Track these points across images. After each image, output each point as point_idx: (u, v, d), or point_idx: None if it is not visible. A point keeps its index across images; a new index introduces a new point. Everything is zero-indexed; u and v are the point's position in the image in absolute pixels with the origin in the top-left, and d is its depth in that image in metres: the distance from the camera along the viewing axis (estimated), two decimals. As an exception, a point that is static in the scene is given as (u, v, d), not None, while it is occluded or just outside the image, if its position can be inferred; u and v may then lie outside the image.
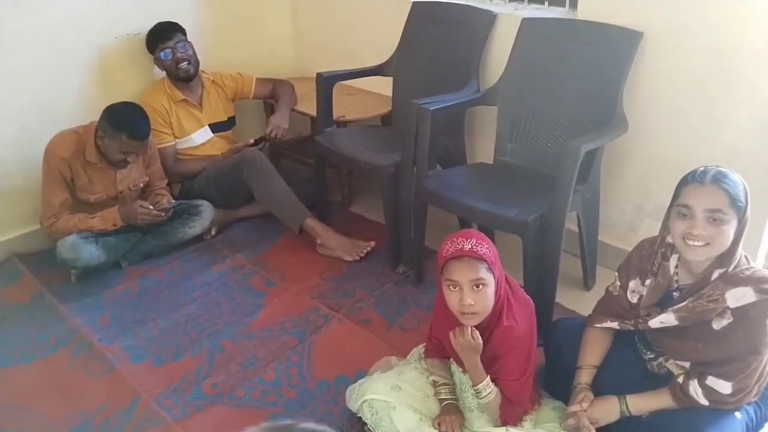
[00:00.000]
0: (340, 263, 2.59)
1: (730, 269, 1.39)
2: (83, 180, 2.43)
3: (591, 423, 1.53)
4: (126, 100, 2.81)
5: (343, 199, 3.11)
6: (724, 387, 1.42)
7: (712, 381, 1.43)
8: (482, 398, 1.59)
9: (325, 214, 2.87)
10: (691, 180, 1.39)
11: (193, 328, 2.23)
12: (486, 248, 1.49)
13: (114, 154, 2.35)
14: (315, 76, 2.67)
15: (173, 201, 2.64)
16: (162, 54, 2.75)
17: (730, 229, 1.35)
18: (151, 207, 2.51)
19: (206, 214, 2.73)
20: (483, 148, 2.65)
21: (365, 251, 2.60)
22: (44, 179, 2.42)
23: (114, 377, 2.01)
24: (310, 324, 2.23)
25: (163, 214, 2.53)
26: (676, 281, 1.49)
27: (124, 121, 2.32)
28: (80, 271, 2.47)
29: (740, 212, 1.35)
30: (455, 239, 1.50)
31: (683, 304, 1.44)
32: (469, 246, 1.47)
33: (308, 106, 2.95)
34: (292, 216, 2.69)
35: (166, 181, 2.76)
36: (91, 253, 2.42)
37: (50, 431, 1.82)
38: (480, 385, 1.58)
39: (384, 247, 2.61)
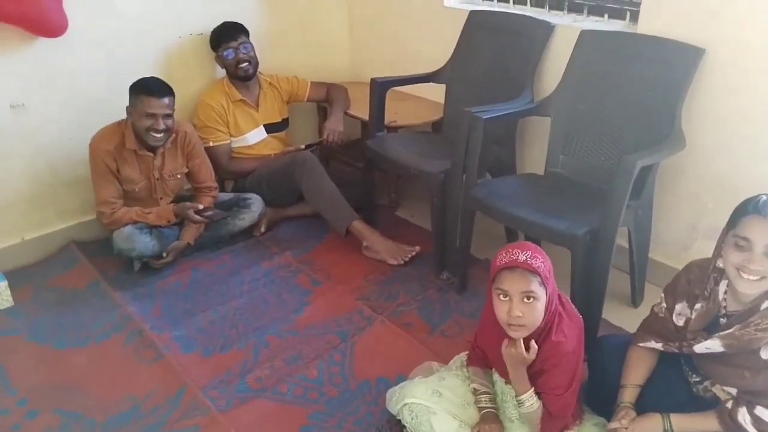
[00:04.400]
0: (385, 266, 2.61)
1: None
2: (126, 170, 2.52)
3: (633, 441, 1.51)
4: (186, 97, 2.92)
5: (389, 203, 3.14)
6: None
7: (760, 411, 1.39)
8: (524, 409, 1.58)
9: (372, 217, 2.90)
10: (752, 210, 1.33)
11: (241, 321, 2.29)
12: (541, 262, 1.47)
13: (140, 121, 2.41)
14: (369, 81, 2.71)
15: (218, 210, 2.72)
16: (225, 53, 2.84)
17: None
18: (201, 207, 2.61)
19: (255, 206, 2.80)
20: (534, 159, 2.63)
21: (410, 256, 2.62)
22: (93, 174, 2.52)
23: (163, 365, 2.07)
24: (353, 324, 2.26)
25: (206, 220, 2.63)
26: (724, 307, 1.46)
27: (139, 83, 2.43)
28: (138, 260, 2.56)
29: None
30: (511, 250, 1.49)
31: (730, 331, 1.40)
32: (524, 257, 1.46)
33: (360, 110, 2.99)
34: (340, 217, 2.73)
35: (215, 183, 2.80)
36: (145, 243, 2.51)
37: (102, 413, 1.89)
38: (523, 396, 1.57)
39: (429, 253, 2.62)
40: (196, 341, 2.19)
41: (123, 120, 2.50)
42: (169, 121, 2.47)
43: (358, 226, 2.70)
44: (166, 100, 2.43)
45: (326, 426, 1.83)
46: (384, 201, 3.13)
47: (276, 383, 1.98)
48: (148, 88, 2.41)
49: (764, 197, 1.34)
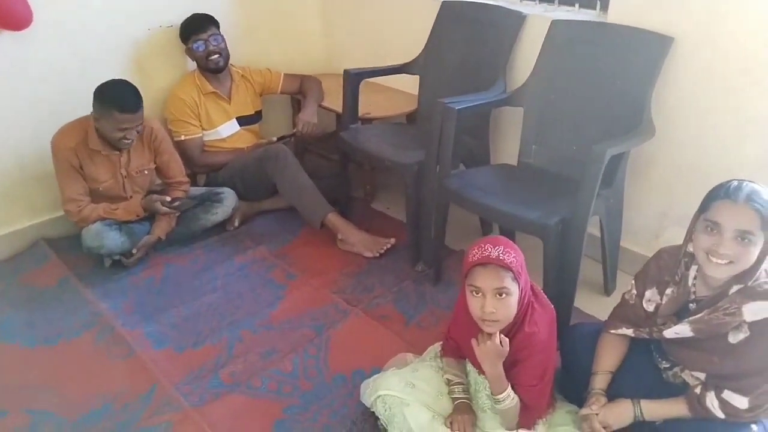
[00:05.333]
0: (360, 259, 2.60)
1: (748, 284, 1.37)
2: (90, 168, 2.47)
3: (604, 427, 1.53)
4: (157, 90, 2.88)
5: (365, 195, 3.13)
6: (741, 401, 1.40)
7: (728, 395, 1.41)
8: (503, 405, 1.57)
9: (347, 209, 2.90)
10: (723, 195, 1.34)
11: (214, 317, 2.27)
12: (513, 257, 1.46)
13: (112, 132, 2.36)
14: (342, 72, 2.69)
15: (186, 199, 2.67)
16: (195, 45, 2.79)
17: (756, 250, 1.32)
18: (168, 199, 2.56)
19: (228, 201, 2.77)
20: (507, 150, 2.64)
21: (385, 248, 2.62)
22: (57, 172, 2.46)
23: (135, 362, 2.05)
24: (328, 318, 2.25)
25: (173, 211, 2.59)
26: (693, 293, 1.48)
27: (112, 97, 2.33)
28: (108, 257, 2.51)
29: None
30: (482, 245, 1.47)
31: (699, 315, 1.42)
32: (496, 254, 1.45)
33: (334, 102, 2.97)
34: (314, 211, 2.71)
35: (185, 177, 2.74)
36: (114, 240, 2.47)
37: (72, 412, 1.86)
38: (501, 395, 1.56)
39: (404, 245, 2.62)
40: (168, 337, 2.16)
41: (86, 117, 2.43)
42: (140, 127, 2.43)
43: (333, 218, 2.69)
44: (139, 113, 2.37)
45: (301, 419, 1.82)
46: (359, 193, 3.12)
47: (250, 378, 1.97)
48: (121, 104, 2.31)
49: (735, 182, 1.35)
